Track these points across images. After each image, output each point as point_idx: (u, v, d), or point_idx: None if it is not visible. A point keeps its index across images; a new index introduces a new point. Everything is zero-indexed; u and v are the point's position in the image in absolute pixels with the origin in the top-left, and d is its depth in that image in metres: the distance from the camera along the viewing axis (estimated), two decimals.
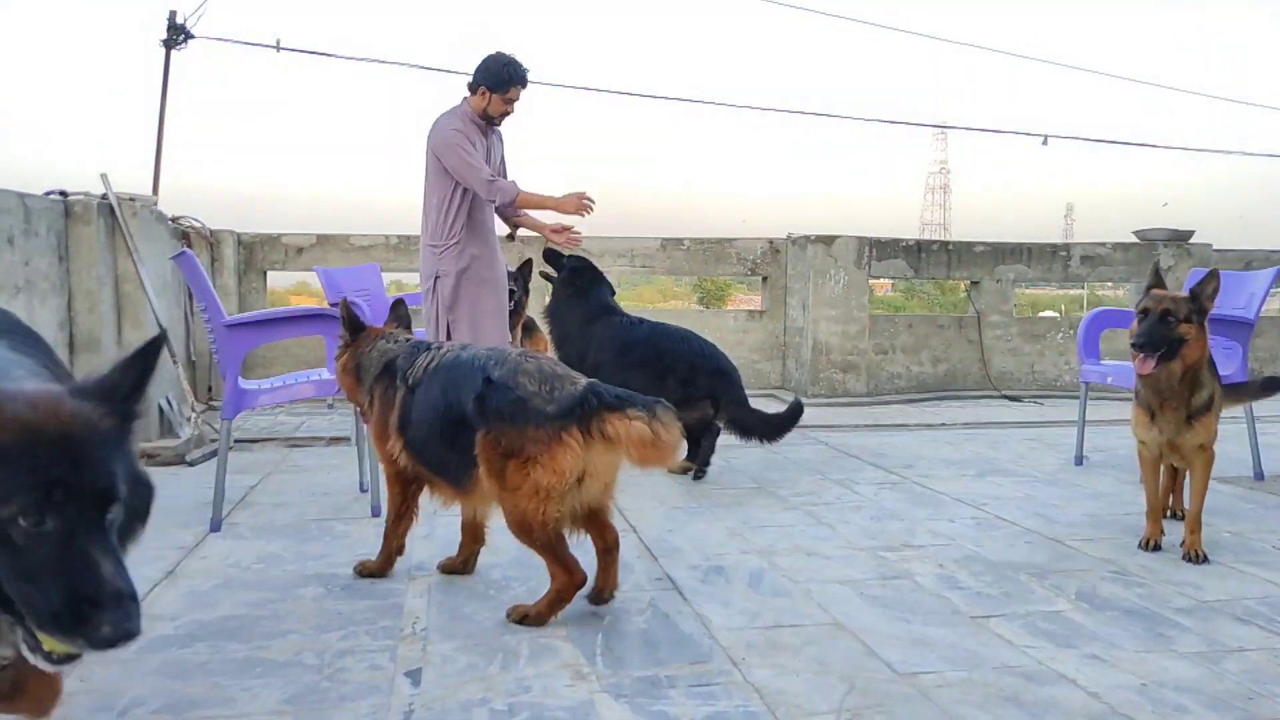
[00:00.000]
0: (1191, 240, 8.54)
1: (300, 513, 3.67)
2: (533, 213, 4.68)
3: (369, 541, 3.25)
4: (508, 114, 4.54)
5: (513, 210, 4.69)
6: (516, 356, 2.57)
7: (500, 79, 4.40)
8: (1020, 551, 3.23)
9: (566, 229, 4.61)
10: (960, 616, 2.60)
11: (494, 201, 4.46)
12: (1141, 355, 3.00)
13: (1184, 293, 3.16)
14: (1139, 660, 2.30)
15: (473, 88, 4.47)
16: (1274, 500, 4.03)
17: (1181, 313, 3.01)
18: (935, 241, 8.34)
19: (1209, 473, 3.22)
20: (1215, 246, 8.59)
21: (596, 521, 2.59)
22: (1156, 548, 3.22)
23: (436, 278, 4.49)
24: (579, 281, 4.63)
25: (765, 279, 8.21)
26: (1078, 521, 3.62)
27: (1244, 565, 3.09)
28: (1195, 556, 3.09)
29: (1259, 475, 4.40)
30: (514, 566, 2.99)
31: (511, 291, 4.86)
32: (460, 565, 2.95)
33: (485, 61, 4.45)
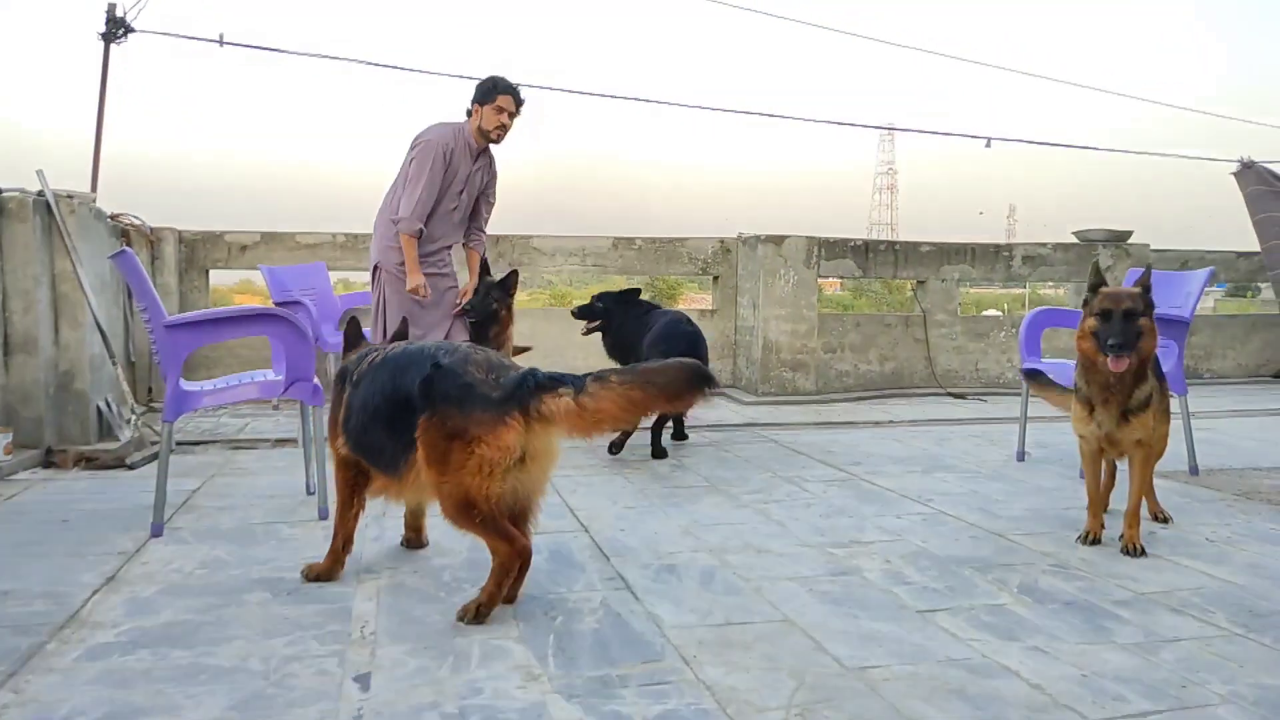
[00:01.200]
0: (1129, 240, 8.77)
1: (245, 516, 3.61)
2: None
3: (316, 544, 3.21)
4: (504, 128, 4.60)
5: (462, 238, 4.85)
6: (466, 348, 2.64)
7: (485, 89, 4.55)
8: (965, 546, 3.29)
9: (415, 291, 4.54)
10: (907, 611, 2.64)
11: (397, 222, 4.50)
12: (1114, 356, 3.07)
13: (1133, 288, 3.23)
14: (1079, 652, 2.35)
15: (469, 111, 4.63)
16: (1208, 494, 4.15)
17: (1140, 308, 3.12)
18: (882, 242, 8.46)
19: (1149, 468, 3.31)
20: (1153, 246, 8.83)
21: (519, 526, 2.60)
22: (1096, 541, 3.30)
23: (376, 266, 4.55)
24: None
25: (716, 278, 8.25)
26: (1020, 516, 3.70)
27: (1179, 558, 3.18)
28: (1133, 550, 3.18)
29: (1194, 470, 4.53)
30: (465, 568, 2.97)
31: (494, 305, 4.77)
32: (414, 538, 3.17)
33: (478, 85, 4.62)
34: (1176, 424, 4.65)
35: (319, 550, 3.14)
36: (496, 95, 4.52)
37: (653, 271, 8.61)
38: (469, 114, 4.62)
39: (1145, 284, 3.18)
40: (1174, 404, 4.73)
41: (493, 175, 4.81)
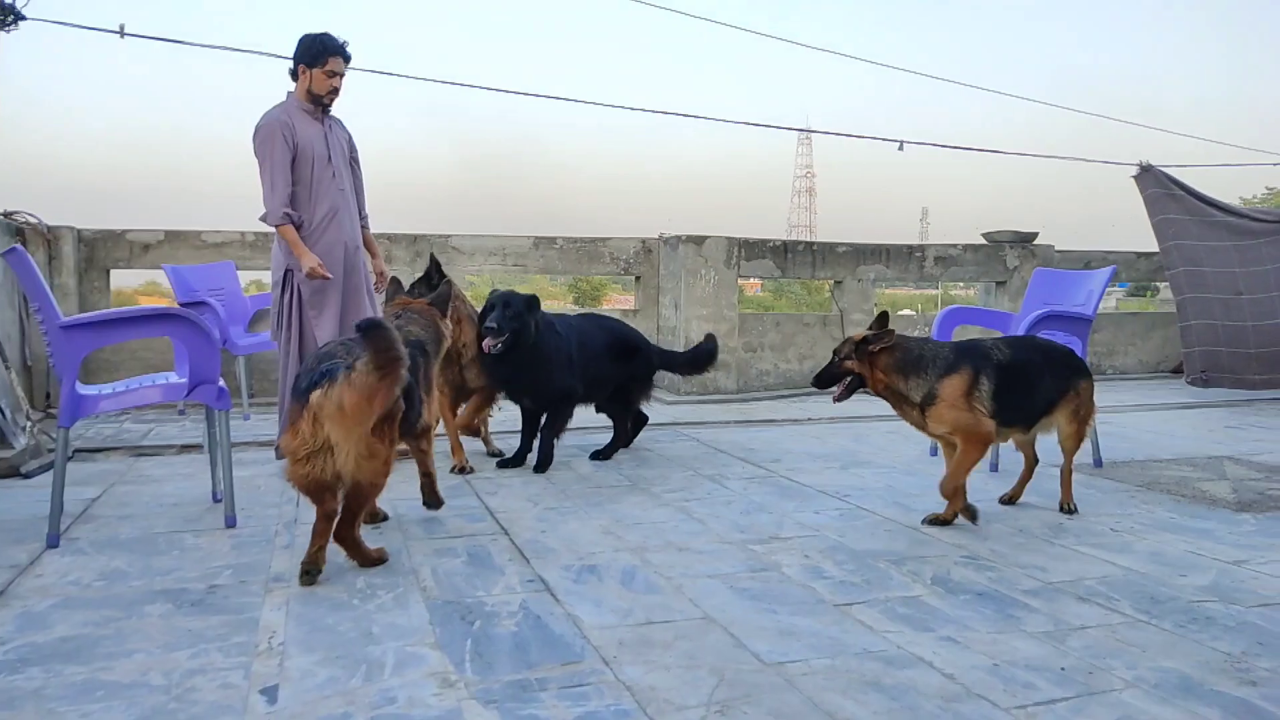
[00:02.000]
0: (1035, 242, 9.06)
1: (147, 525, 3.46)
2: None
3: (222, 554, 3.10)
4: (335, 90, 4.40)
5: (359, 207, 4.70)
6: (336, 343, 2.96)
7: (314, 52, 4.32)
8: (881, 540, 3.35)
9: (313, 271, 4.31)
10: (825, 605, 2.66)
11: (263, 217, 4.33)
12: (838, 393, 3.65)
13: (867, 331, 3.64)
14: (991, 641, 2.41)
15: (293, 73, 4.39)
16: (1111, 486, 4.30)
17: (844, 352, 3.63)
18: (800, 242, 8.57)
19: (965, 456, 3.50)
20: (1058, 247, 9.14)
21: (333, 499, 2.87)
22: (945, 523, 3.56)
23: (287, 270, 4.35)
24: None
25: (638, 278, 8.25)
26: (934, 509, 3.77)
27: (1085, 548, 3.28)
28: (936, 520, 3.57)
29: (1098, 463, 4.69)
30: (380, 574, 2.90)
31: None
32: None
33: (299, 42, 4.37)
34: None
35: (226, 558, 3.04)
36: (327, 57, 4.31)
37: (574, 271, 8.58)
38: (294, 76, 4.39)
39: (870, 337, 3.59)
40: None
41: (354, 147, 4.62)
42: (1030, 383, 3.60)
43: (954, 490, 3.51)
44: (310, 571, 2.81)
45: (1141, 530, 3.50)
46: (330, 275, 4.32)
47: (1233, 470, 4.61)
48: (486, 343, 4.33)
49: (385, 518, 3.52)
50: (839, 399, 3.63)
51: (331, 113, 4.52)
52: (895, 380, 3.53)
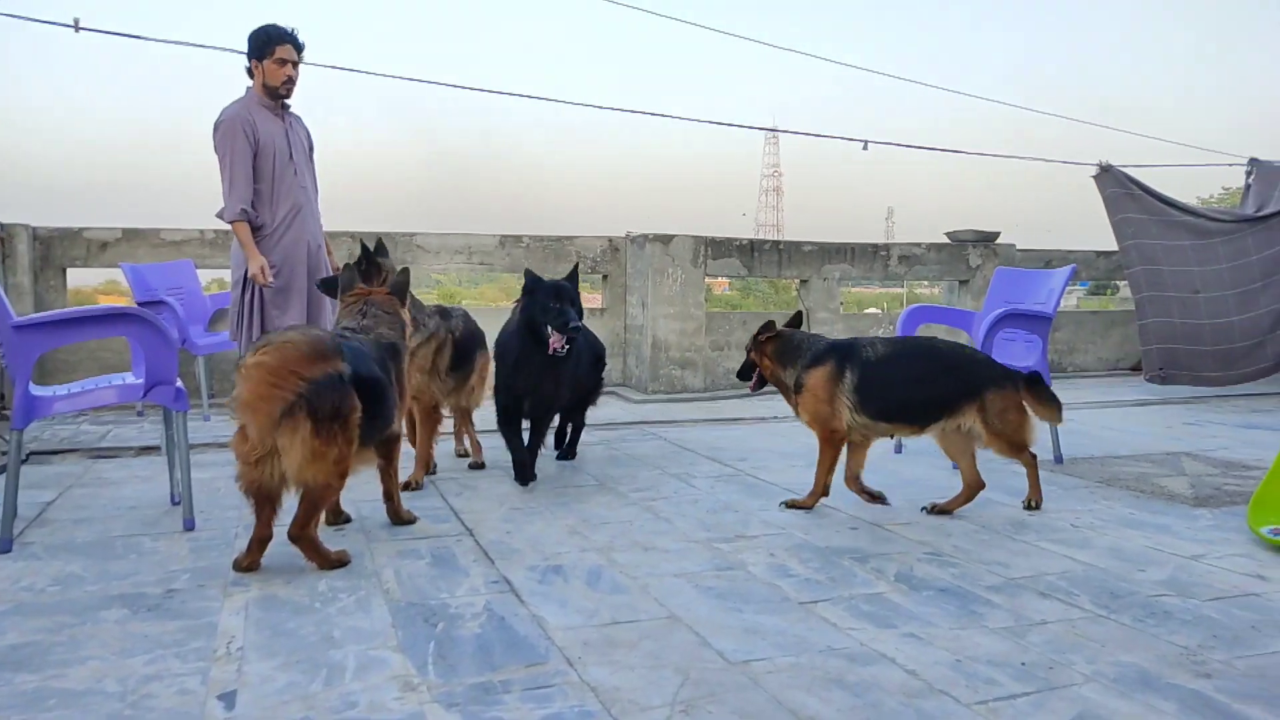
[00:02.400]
0: (997, 241, 9.16)
1: (104, 529, 3.40)
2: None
3: (181, 558, 3.05)
4: (291, 80, 4.35)
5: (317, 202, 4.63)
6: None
7: (261, 43, 4.28)
8: (845, 537, 3.36)
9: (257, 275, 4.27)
10: (790, 603, 2.67)
11: (221, 215, 4.29)
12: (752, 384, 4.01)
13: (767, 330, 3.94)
14: (953, 637, 2.42)
15: (249, 71, 4.36)
16: (1072, 482, 4.36)
17: (749, 345, 3.99)
18: (767, 241, 8.60)
19: (824, 447, 3.70)
20: (1019, 246, 9.25)
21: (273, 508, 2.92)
22: (806, 508, 3.75)
23: (249, 271, 4.29)
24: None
25: (605, 277, 8.24)
26: (897, 506, 3.80)
27: (1046, 543, 3.32)
28: (793, 505, 3.77)
29: (1058, 459, 4.75)
30: (342, 576, 2.87)
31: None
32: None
33: (247, 39, 4.33)
34: None
35: (185, 562, 2.99)
36: (274, 46, 4.26)
37: (541, 270, 8.51)
38: (251, 74, 4.36)
39: (757, 335, 3.95)
40: None
41: (311, 143, 4.56)
42: (910, 382, 3.62)
43: (828, 478, 3.74)
44: (238, 569, 2.91)
45: (1101, 526, 3.55)
46: (271, 283, 4.26)
47: (1190, 466, 4.69)
48: (556, 342, 3.91)
49: (348, 519, 3.48)
50: (753, 389, 4.00)
51: (291, 110, 4.46)
52: (777, 369, 3.85)
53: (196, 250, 6.96)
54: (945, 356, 3.73)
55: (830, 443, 3.67)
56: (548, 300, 3.96)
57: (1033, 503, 3.79)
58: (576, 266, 4.33)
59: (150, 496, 3.89)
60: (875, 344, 3.73)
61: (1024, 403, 3.66)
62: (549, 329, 3.92)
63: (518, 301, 4.22)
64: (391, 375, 3.22)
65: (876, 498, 3.80)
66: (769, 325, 3.95)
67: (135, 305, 5.24)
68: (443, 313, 4.31)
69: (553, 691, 2.08)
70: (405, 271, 3.65)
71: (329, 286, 4.09)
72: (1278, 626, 2.51)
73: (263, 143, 4.25)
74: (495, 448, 4.57)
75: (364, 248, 3.87)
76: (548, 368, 4.02)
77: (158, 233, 6.99)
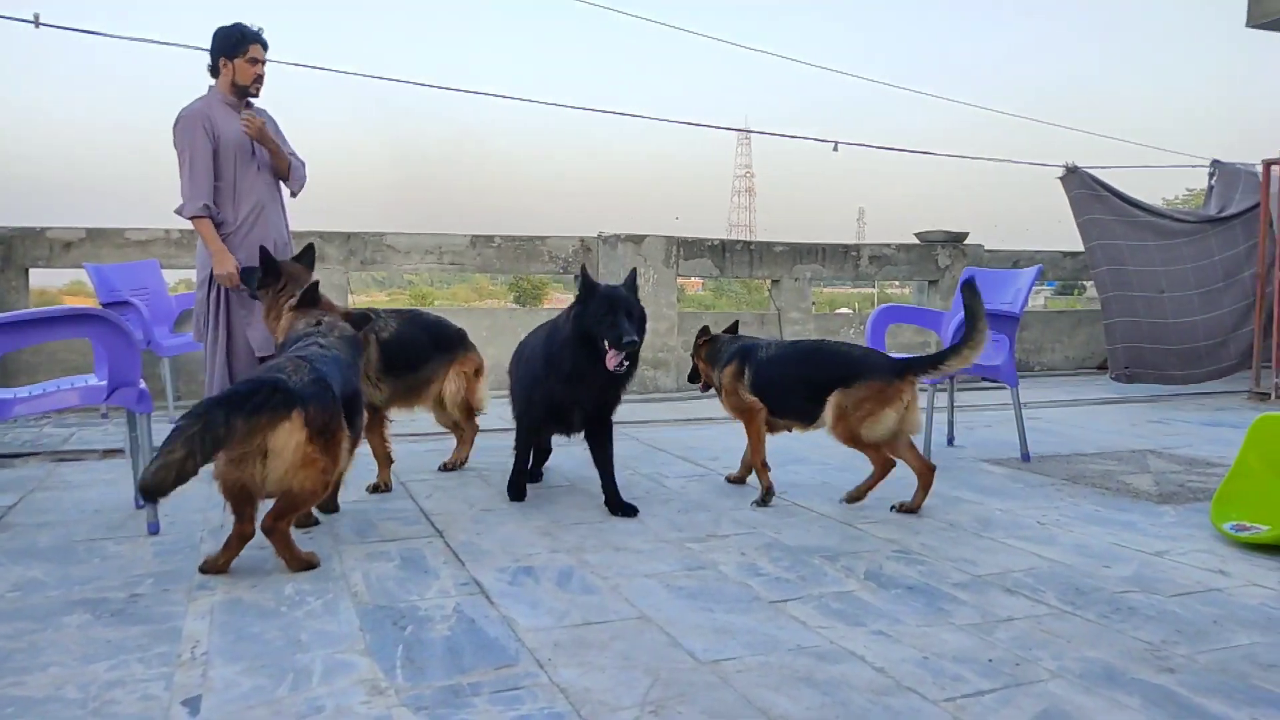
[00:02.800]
0: (966, 242, 9.24)
1: (67, 533, 3.34)
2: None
3: (145, 562, 3.01)
4: (260, 78, 4.32)
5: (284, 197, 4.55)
6: (288, 356, 3.04)
7: (233, 42, 4.24)
8: (815, 536, 3.38)
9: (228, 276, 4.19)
10: (760, 602, 2.68)
11: (179, 210, 4.22)
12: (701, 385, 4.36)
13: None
14: (921, 634, 2.44)
15: (213, 69, 4.30)
16: (1038, 479, 4.40)
17: (692, 352, 4.34)
18: (738, 242, 8.63)
19: (750, 436, 3.97)
20: (987, 247, 9.34)
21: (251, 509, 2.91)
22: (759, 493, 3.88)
23: (213, 271, 4.23)
24: None
25: (577, 277, 8.22)
26: (866, 505, 3.82)
27: (1013, 540, 3.35)
28: (737, 479, 4.22)
29: (1025, 457, 4.80)
30: (310, 579, 2.84)
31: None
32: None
33: (213, 37, 4.28)
34: (1009, 414, 4.93)
35: (148, 566, 2.95)
36: (247, 46, 4.24)
37: (512, 270, 8.51)
38: (214, 72, 4.31)
39: (697, 341, 4.34)
40: (1005, 395, 5.01)
41: (279, 133, 4.47)
42: (791, 380, 3.85)
43: (759, 465, 3.93)
44: (205, 571, 2.89)
45: (1067, 523, 3.59)
46: (241, 287, 4.16)
47: (1155, 463, 4.75)
48: (612, 360, 3.51)
49: (316, 522, 3.45)
50: (702, 389, 4.35)
51: (254, 104, 4.41)
52: (708, 370, 4.21)
53: (162, 250, 6.87)
54: (824, 355, 3.85)
55: (750, 422, 3.95)
56: (602, 311, 3.57)
57: (851, 497, 3.80)
58: (634, 273, 3.99)
59: (114, 500, 3.83)
60: (770, 345, 4.04)
61: (896, 396, 3.61)
62: (605, 344, 3.54)
63: (570, 307, 3.84)
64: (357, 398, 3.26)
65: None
66: (704, 330, 4.30)
67: (99, 306, 5.16)
68: (364, 317, 3.97)
69: (522, 693, 2.07)
70: (315, 285, 3.57)
71: (247, 278, 3.96)
72: (1239, 621, 2.55)
73: (223, 140, 4.20)
74: (480, 450, 4.54)
75: (263, 252, 3.79)
76: (608, 382, 3.68)
77: (122, 232, 6.89)
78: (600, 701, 2.04)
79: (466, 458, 4.55)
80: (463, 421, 4.49)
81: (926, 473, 3.75)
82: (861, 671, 2.20)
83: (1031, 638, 2.42)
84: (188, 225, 4.40)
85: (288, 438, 2.75)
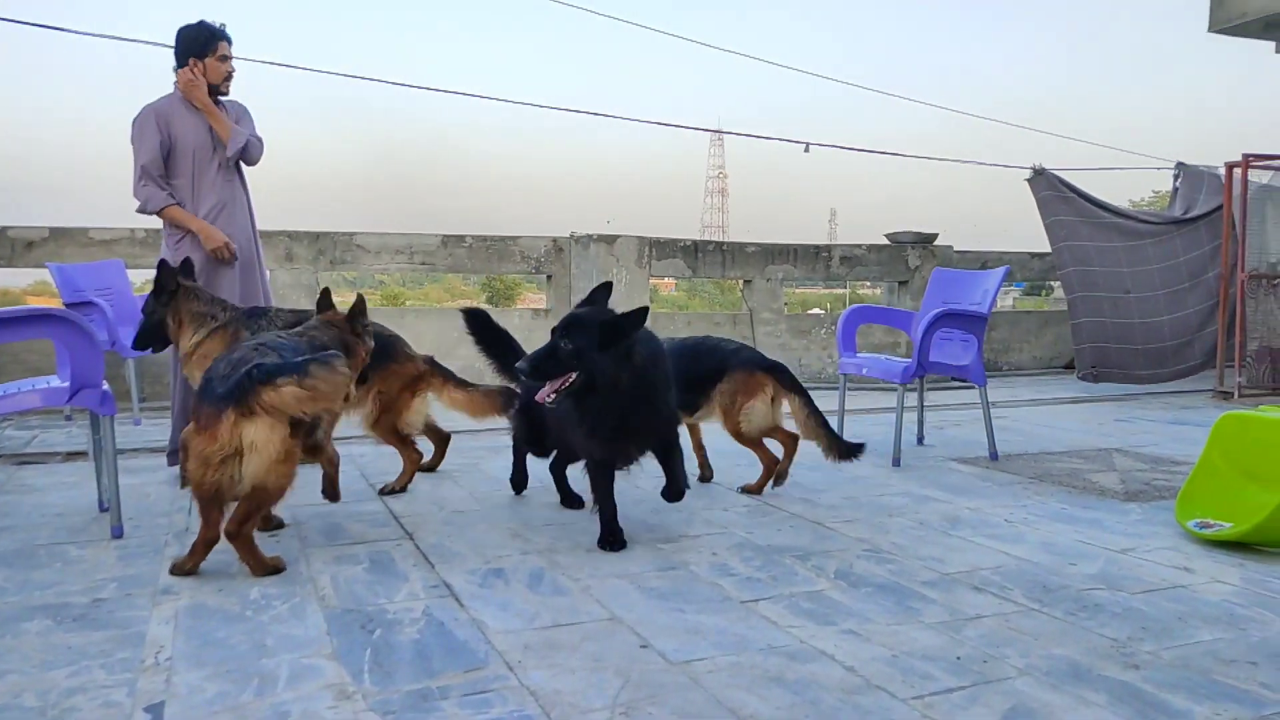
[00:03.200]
0: (935, 242, 9.32)
1: (28, 538, 3.28)
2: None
3: (108, 566, 2.96)
4: (230, 75, 4.29)
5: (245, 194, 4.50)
6: (248, 345, 2.93)
7: (202, 41, 4.21)
8: (786, 535, 3.39)
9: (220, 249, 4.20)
10: (731, 602, 2.68)
11: (141, 208, 4.18)
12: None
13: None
14: (890, 633, 2.45)
15: (179, 70, 4.25)
16: (1006, 478, 4.44)
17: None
18: (711, 242, 8.65)
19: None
20: (956, 248, 9.42)
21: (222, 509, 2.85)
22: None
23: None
24: None
25: (550, 277, 8.20)
26: (837, 504, 3.84)
27: (980, 538, 3.38)
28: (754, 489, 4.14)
29: (994, 456, 4.85)
30: (276, 583, 2.80)
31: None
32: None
33: (178, 37, 4.23)
34: (977, 413, 4.98)
35: (110, 573, 2.90)
36: (217, 44, 4.21)
37: (484, 270, 8.48)
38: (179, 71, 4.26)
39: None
40: (974, 394, 5.06)
41: (252, 125, 4.42)
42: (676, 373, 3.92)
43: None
44: (175, 573, 2.88)
45: (1034, 521, 3.62)
46: (238, 256, 4.20)
47: (1121, 462, 4.81)
48: (540, 393, 3.13)
49: (281, 525, 3.41)
50: None
51: (223, 100, 4.36)
52: None
53: (127, 250, 6.78)
54: (702, 352, 4.04)
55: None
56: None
57: (755, 487, 4.07)
58: (606, 286, 3.51)
59: (77, 503, 3.77)
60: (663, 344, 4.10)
61: (762, 389, 3.92)
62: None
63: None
64: None
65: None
66: None
67: (63, 306, 5.07)
68: (254, 312, 3.94)
69: (491, 696, 2.06)
70: (325, 292, 3.52)
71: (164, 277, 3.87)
72: (1202, 618, 2.58)
73: (179, 139, 4.16)
74: (451, 452, 4.50)
75: (160, 264, 3.87)
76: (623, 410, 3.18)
77: (86, 232, 6.79)
78: (570, 704, 2.02)
79: (404, 487, 4.01)
80: (397, 447, 4.03)
81: (771, 464, 4.07)
82: (832, 670, 2.21)
83: (999, 635, 2.44)
84: (154, 224, 4.35)
85: (270, 432, 2.73)
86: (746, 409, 3.91)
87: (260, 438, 2.72)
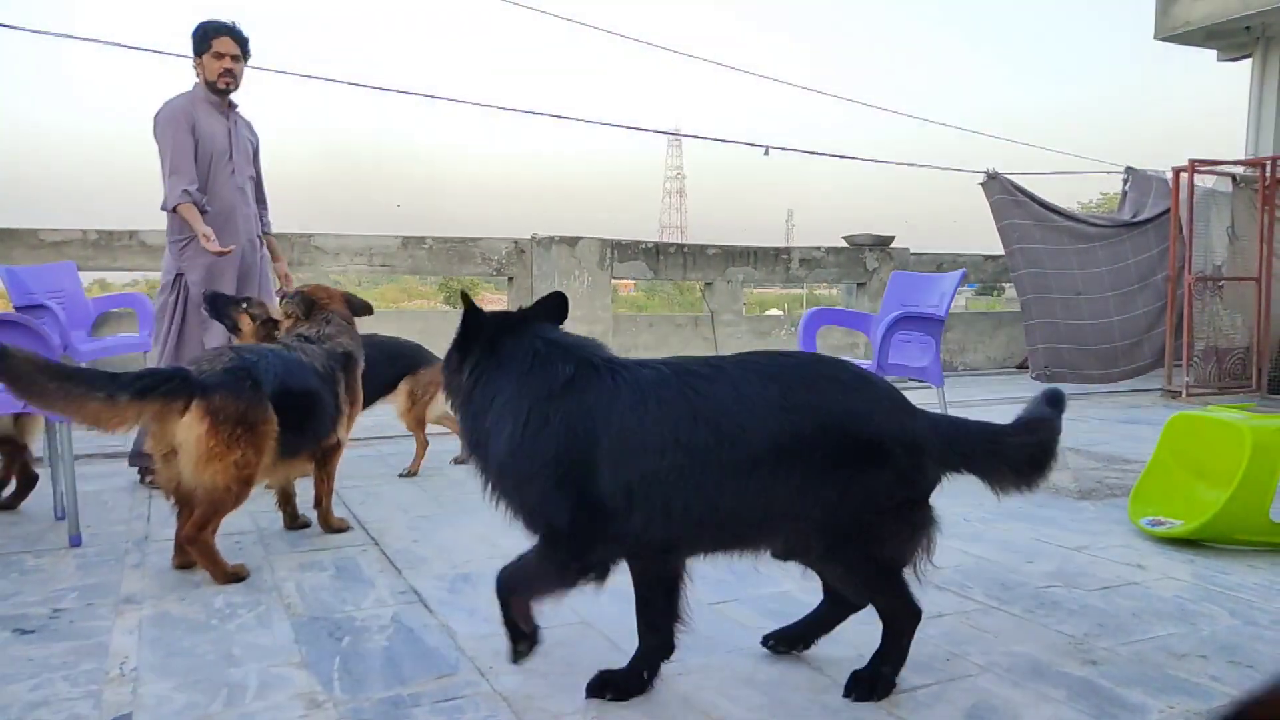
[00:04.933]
0: (892, 245, 9.45)
1: None
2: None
3: (67, 575, 2.91)
4: (233, 74, 4.22)
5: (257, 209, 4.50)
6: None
7: (198, 38, 4.18)
8: None
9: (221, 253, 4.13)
10: (701, 605, 2.69)
11: (165, 205, 4.13)
12: None
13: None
14: (857, 632, 2.48)
15: (195, 67, 4.25)
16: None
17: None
18: (672, 244, 8.69)
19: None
20: (912, 250, 9.56)
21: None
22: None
23: (178, 274, 4.15)
24: None
25: (511, 279, 8.18)
26: None
27: (940, 537, 3.43)
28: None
29: None
30: (241, 591, 2.78)
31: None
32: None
33: (191, 35, 4.21)
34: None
35: (71, 579, 2.86)
36: (210, 40, 4.16)
37: (445, 272, 8.43)
38: (195, 73, 4.28)
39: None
40: (932, 395, 5.14)
41: (256, 146, 4.45)
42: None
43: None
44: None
45: (992, 519, 3.70)
46: (227, 249, 4.11)
47: (1074, 460, 4.92)
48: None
49: (306, 524, 3.44)
50: None
51: (238, 110, 4.33)
52: None
53: (78, 252, 6.63)
54: (389, 349, 4.42)
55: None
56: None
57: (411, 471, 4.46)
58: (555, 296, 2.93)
59: (33, 511, 3.69)
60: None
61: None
62: None
63: None
64: (340, 384, 3.27)
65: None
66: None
67: (12, 309, 4.96)
68: (366, 306, 4.08)
69: (463, 703, 2.06)
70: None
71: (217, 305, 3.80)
72: (1156, 613, 2.66)
73: (201, 138, 4.12)
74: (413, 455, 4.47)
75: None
76: None
77: (35, 233, 6.64)
78: (542, 709, 2.04)
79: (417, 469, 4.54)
80: (417, 434, 4.62)
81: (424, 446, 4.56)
82: (800, 671, 2.24)
83: (961, 633, 2.49)
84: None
85: (188, 431, 2.71)
86: (437, 399, 4.40)
87: (180, 436, 2.74)
